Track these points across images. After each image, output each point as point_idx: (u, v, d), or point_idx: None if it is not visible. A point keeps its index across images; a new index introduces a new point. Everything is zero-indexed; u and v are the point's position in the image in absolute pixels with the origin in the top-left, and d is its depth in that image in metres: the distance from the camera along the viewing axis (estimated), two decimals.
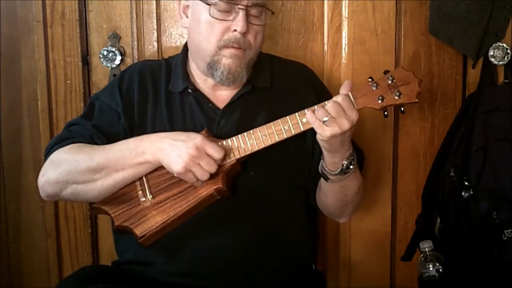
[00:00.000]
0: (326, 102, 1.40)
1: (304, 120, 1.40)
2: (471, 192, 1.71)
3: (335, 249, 1.92)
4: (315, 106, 1.41)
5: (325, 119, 1.36)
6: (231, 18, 1.46)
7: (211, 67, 1.49)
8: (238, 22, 1.45)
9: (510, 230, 1.66)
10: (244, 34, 1.46)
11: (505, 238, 1.66)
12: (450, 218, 1.76)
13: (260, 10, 1.48)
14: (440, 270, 1.60)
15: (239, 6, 1.44)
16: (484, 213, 1.69)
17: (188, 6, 1.54)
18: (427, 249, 1.62)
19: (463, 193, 1.72)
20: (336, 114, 1.36)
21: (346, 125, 1.37)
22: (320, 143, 1.42)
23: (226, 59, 1.47)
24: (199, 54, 1.52)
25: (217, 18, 1.46)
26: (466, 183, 1.72)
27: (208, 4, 1.46)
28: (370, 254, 1.91)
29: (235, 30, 1.45)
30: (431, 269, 1.60)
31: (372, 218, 1.89)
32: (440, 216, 1.78)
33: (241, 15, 1.44)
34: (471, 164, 1.73)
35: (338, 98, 1.38)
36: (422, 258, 1.63)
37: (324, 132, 1.37)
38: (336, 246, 1.92)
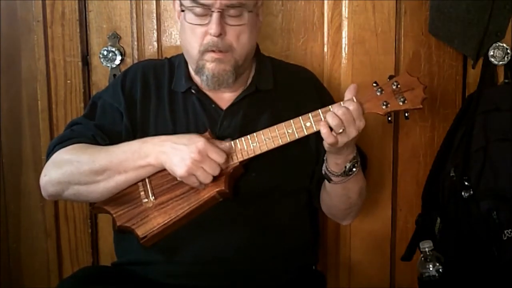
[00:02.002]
0: (330, 107, 1.40)
1: (308, 124, 1.40)
2: (471, 192, 1.71)
3: (335, 249, 1.92)
4: (319, 111, 1.40)
5: (340, 130, 1.36)
6: (207, 21, 1.45)
7: (198, 72, 1.49)
8: (211, 25, 1.43)
9: (510, 230, 1.66)
10: (221, 36, 1.44)
11: (505, 238, 1.66)
12: (450, 218, 1.76)
13: (239, 10, 1.46)
14: (440, 270, 1.60)
15: (212, 9, 1.43)
16: (484, 213, 1.69)
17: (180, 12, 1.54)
18: (427, 249, 1.62)
19: (463, 193, 1.72)
20: (347, 123, 1.36)
21: (354, 133, 1.37)
22: (326, 146, 1.42)
23: (210, 64, 1.46)
24: (189, 58, 1.53)
25: (193, 23, 1.45)
26: (466, 183, 1.72)
27: (182, 10, 1.46)
28: (370, 254, 1.91)
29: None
30: (431, 269, 1.60)
31: (372, 218, 1.89)
32: (440, 216, 1.78)
33: (214, 17, 1.43)
34: (471, 164, 1.73)
35: (351, 106, 1.37)
36: (422, 258, 1.63)
37: (333, 141, 1.37)
38: (336, 246, 1.92)
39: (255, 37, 1.54)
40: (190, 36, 1.47)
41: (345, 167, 1.45)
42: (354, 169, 1.46)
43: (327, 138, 1.37)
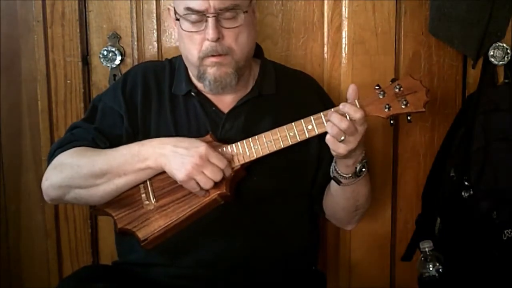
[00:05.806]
0: (332, 110, 1.39)
1: (310, 127, 1.40)
2: (471, 192, 1.72)
3: (335, 249, 1.92)
4: (321, 114, 1.40)
5: (342, 138, 1.36)
6: (203, 27, 1.44)
7: (200, 77, 1.48)
8: (208, 31, 1.42)
9: (510, 230, 1.67)
10: (219, 41, 1.43)
11: (505, 238, 1.66)
12: (450, 218, 1.76)
13: (234, 12, 1.44)
14: (440, 270, 1.60)
15: (207, 15, 1.42)
16: (484, 213, 1.69)
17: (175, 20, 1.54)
18: (427, 249, 1.62)
19: (463, 193, 1.72)
20: (351, 133, 1.36)
21: (358, 138, 1.37)
22: (333, 153, 1.42)
23: (210, 68, 1.46)
24: (190, 66, 1.52)
25: (189, 31, 1.45)
26: (466, 183, 1.72)
27: (177, 19, 1.46)
28: (370, 254, 1.91)
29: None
30: (431, 269, 1.60)
31: (372, 218, 1.89)
32: (440, 216, 1.79)
33: (209, 22, 1.42)
34: (471, 164, 1.73)
35: (356, 115, 1.36)
36: (422, 258, 1.63)
37: (339, 149, 1.37)
38: (336, 246, 1.92)
39: (254, 35, 1.53)
40: (188, 43, 1.47)
41: (356, 168, 1.45)
42: (364, 170, 1.46)
43: (329, 140, 1.37)
